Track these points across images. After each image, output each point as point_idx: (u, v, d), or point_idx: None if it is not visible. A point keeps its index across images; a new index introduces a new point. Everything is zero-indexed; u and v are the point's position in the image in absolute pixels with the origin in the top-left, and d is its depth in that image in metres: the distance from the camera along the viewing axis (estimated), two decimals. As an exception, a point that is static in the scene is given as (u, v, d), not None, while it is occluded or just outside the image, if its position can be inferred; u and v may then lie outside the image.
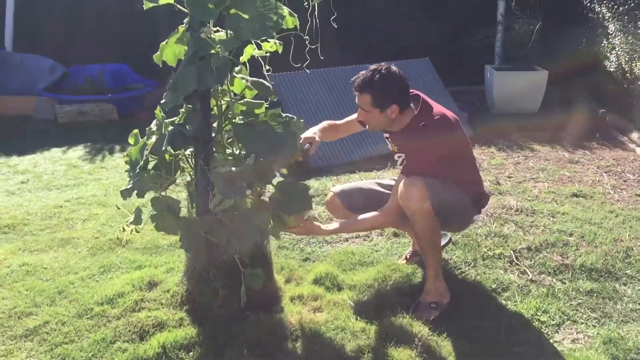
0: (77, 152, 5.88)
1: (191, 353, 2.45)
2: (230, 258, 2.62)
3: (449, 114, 2.84)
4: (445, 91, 6.07)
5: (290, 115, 2.63)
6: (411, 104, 2.81)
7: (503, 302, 2.90)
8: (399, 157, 2.91)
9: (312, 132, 2.96)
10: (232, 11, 2.43)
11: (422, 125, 2.76)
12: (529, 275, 3.11)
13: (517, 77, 6.86)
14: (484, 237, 3.51)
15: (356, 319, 2.66)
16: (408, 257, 3.24)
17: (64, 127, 6.72)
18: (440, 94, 5.95)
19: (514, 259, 3.26)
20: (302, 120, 2.68)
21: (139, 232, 2.70)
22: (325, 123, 3.10)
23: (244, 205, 2.59)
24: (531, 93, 6.83)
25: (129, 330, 2.57)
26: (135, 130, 2.78)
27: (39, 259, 3.28)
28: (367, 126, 2.89)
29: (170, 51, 2.67)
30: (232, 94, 2.78)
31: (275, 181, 2.64)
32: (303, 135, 2.85)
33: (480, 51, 7.53)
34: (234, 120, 2.65)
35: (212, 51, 2.48)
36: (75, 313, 2.73)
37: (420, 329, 2.60)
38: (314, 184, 4.47)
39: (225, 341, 2.51)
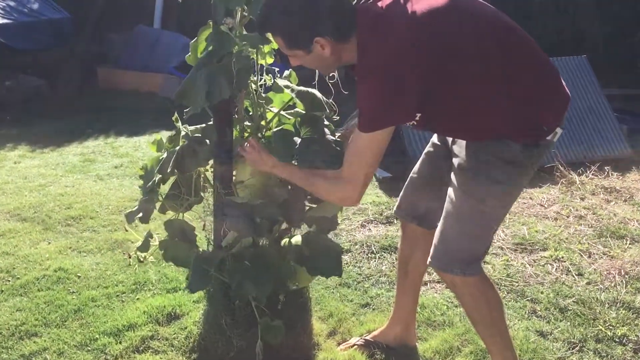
0: (183, 137, 5.69)
1: None
2: (244, 305, 2.12)
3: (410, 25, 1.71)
4: (600, 95, 4.98)
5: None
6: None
7: (610, 415, 2.08)
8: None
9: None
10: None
11: (365, 66, 1.76)
12: (658, 377, 2.25)
13: None
14: (606, 305, 2.65)
15: (392, 412, 2.03)
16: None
17: (185, 107, 6.62)
18: (592, 100, 4.94)
19: (643, 348, 2.39)
20: None
21: (142, 261, 2.29)
22: None
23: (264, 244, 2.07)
24: None
25: (120, 378, 2.18)
26: (158, 136, 2.37)
27: (78, 264, 3.01)
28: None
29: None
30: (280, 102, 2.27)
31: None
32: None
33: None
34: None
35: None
36: (78, 342, 2.39)
37: None
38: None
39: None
